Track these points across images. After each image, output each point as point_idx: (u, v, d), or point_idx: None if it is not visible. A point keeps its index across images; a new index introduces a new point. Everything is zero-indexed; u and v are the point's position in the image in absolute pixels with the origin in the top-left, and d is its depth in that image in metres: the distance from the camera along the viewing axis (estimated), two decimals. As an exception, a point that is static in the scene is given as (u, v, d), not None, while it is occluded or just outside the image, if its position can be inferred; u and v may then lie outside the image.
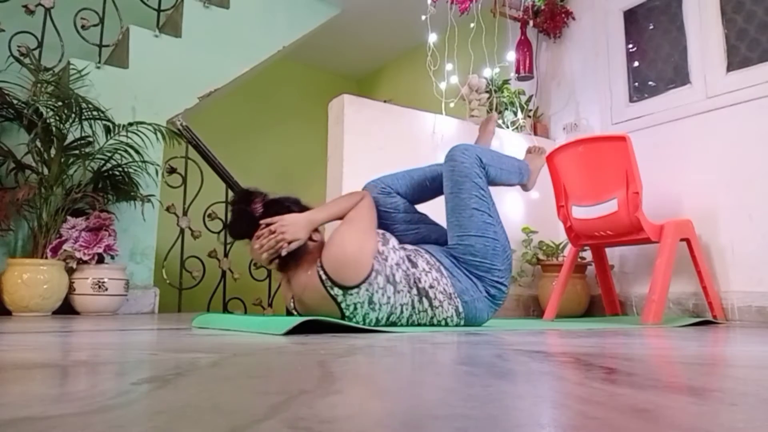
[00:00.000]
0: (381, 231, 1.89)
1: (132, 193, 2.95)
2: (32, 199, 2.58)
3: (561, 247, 3.10)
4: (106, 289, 2.69)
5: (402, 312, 1.78)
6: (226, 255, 3.33)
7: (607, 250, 2.98)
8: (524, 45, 3.54)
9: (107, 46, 3.25)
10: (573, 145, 2.66)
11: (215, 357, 0.91)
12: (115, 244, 2.75)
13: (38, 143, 2.66)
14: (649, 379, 0.76)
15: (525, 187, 2.34)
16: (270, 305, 3.41)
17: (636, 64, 3.27)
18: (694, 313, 2.72)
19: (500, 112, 3.39)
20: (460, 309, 1.85)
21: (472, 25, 3.18)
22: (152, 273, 3.15)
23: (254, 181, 3.36)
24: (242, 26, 3.74)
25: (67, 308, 2.67)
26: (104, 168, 2.89)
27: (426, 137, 2.95)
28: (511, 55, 3.53)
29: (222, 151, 3.50)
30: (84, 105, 2.73)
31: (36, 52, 2.96)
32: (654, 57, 3.18)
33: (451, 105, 3.15)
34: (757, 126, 2.60)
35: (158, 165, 3.14)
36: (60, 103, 2.69)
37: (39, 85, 2.76)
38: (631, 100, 3.23)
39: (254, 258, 1.81)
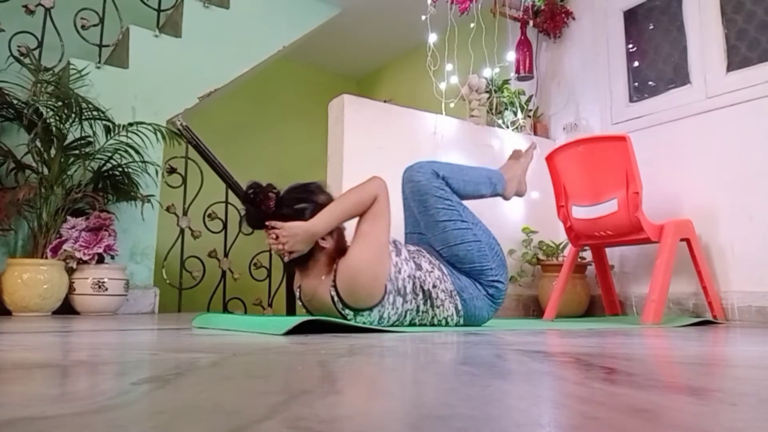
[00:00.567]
0: (393, 239, 1.84)
1: (132, 193, 2.95)
2: (32, 199, 2.58)
3: (561, 247, 3.10)
4: (106, 289, 2.69)
5: (406, 316, 1.81)
6: (226, 255, 3.33)
7: (607, 250, 2.98)
8: (524, 45, 3.54)
9: (107, 46, 3.25)
10: (573, 145, 2.66)
11: (215, 357, 0.91)
12: (115, 244, 2.75)
13: (38, 143, 2.66)
14: (649, 379, 0.76)
15: (503, 197, 2.27)
16: (270, 305, 3.41)
17: (636, 64, 3.27)
18: (694, 313, 2.72)
19: (500, 113, 3.39)
20: (460, 307, 1.86)
21: (472, 25, 3.18)
22: (152, 273, 3.14)
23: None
24: (242, 26, 3.74)
25: (67, 308, 2.67)
26: (104, 168, 2.88)
27: (426, 137, 2.94)
28: (511, 55, 3.53)
29: (222, 151, 3.50)
30: (84, 105, 2.73)
31: (36, 52, 2.96)
32: (654, 57, 3.18)
33: (451, 105, 3.14)
34: (757, 126, 2.60)
35: (158, 165, 3.14)
36: (60, 103, 2.69)
37: (39, 85, 2.76)
38: (631, 100, 3.23)
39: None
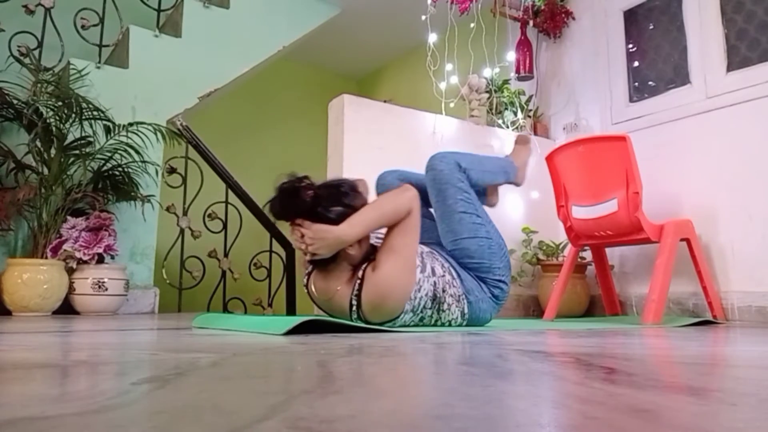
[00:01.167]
0: (421, 251, 1.79)
1: (132, 193, 2.95)
2: (32, 199, 2.58)
3: (561, 247, 3.10)
4: (106, 289, 2.69)
5: (412, 322, 1.80)
6: (226, 255, 3.33)
7: (607, 250, 2.98)
8: (524, 45, 3.54)
9: (107, 46, 3.25)
10: (573, 145, 2.66)
11: (215, 357, 0.91)
12: (115, 244, 2.75)
13: (38, 143, 2.66)
14: (649, 379, 0.76)
15: (516, 184, 2.31)
16: (270, 305, 3.41)
17: (636, 64, 3.27)
18: (694, 313, 2.72)
19: (500, 112, 3.39)
20: (465, 311, 1.86)
21: (472, 25, 3.18)
22: (152, 273, 3.14)
23: (254, 181, 3.37)
24: (242, 26, 3.74)
25: (67, 308, 2.67)
26: (104, 168, 2.88)
27: (426, 137, 2.94)
28: (511, 55, 3.53)
29: (222, 151, 3.50)
30: (84, 105, 2.73)
31: (36, 52, 2.96)
32: (654, 57, 3.18)
33: (451, 105, 3.14)
34: (757, 126, 2.60)
35: (158, 165, 3.14)
36: (60, 103, 2.69)
37: (39, 85, 2.76)
38: (631, 100, 3.23)
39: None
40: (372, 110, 2.81)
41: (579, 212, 2.64)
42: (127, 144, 2.87)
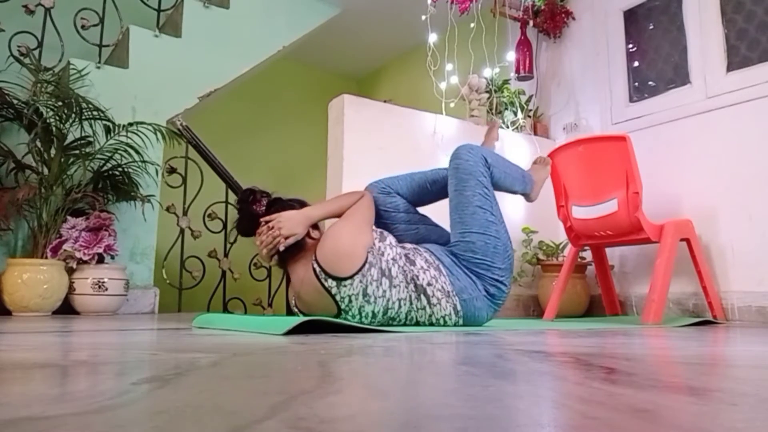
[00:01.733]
0: (379, 229, 1.91)
1: (132, 193, 2.95)
2: (32, 199, 2.58)
3: (561, 247, 3.10)
4: (106, 289, 2.69)
5: (399, 307, 1.78)
6: (226, 255, 3.33)
7: (607, 250, 2.98)
8: (524, 45, 3.54)
9: (107, 46, 3.25)
10: (573, 145, 2.66)
11: (215, 357, 0.91)
12: (115, 244, 2.75)
13: (38, 143, 2.66)
14: (649, 379, 0.76)
15: (528, 198, 2.33)
16: (270, 305, 3.41)
17: (636, 64, 3.27)
18: (694, 313, 2.72)
19: (500, 113, 3.39)
20: (459, 307, 1.85)
21: (472, 25, 3.18)
22: (152, 273, 3.14)
23: (254, 181, 3.36)
24: (242, 26, 3.74)
25: (67, 308, 2.67)
26: (104, 168, 2.89)
27: (426, 137, 2.95)
28: (511, 55, 3.53)
29: (222, 151, 3.50)
30: (84, 105, 2.73)
31: (36, 52, 2.96)
32: (654, 57, 3.18)
33: (451, 105, 3.14)
34: (757, 126, 2.60)
35: (158, 165, 3.14)
36: (60, 103, 2.69)
37: (39, 85, 2.76)
38: (631, 100, 3.23)
39: (259, 255, 1.90)
40: (372, 110, 2.81)
41: (579, 212, 2.64)
42: (127, 144, 2.87)
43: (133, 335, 1.50)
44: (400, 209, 2.06)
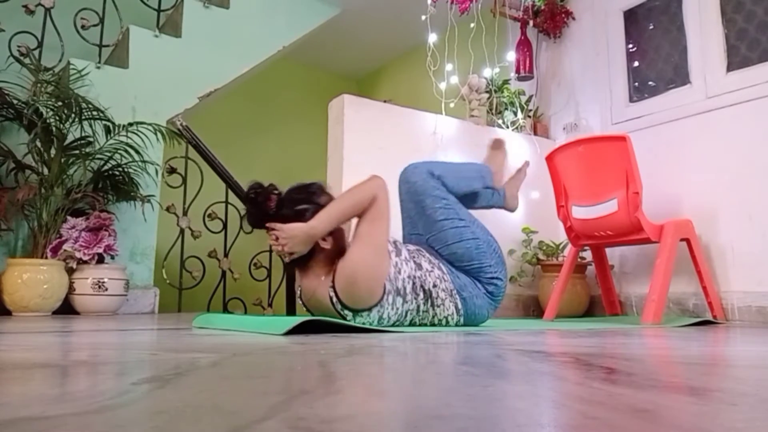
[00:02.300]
0: (392, 239, 1.84)
1: (132, 193, 2.95)
2: (32, 199, 2.58)
3: (561, 247, 3.10)
4: (106, 289, 2.69)
5: (406, 316, 1.81)
6: (226, 255, 3.32)
7: (607, 250, 2.98)
8: (524, 45, 3.54)
9: (107, 46, 3.25)
10: (573, 145, 2.66)
11: (215, 357, 0.91)
12: (115, 244, 2.75)
13: (38, 143, 2.66)
14: (649, 379, 0.76)
15: (492, 189, 2.30)
16: (270, 305, 3.41)
17: (636, 64, 3.27)
18: (694, 313, 2.72)
19: (500, 113, 3.39)
20: (460, 306, 1.86)
21: (472, 25, 3.18)
22: (152, 273, 3.14)
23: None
24: (242, 26, 3.74)
25: (67, 308, 2.67)
26: (104, 168, 2.88)
27: (426, 137, 2.94)
28: (511, 55, 3.53)
29: (222, 151, 3.50)
30: (84, 105, 2.73)
31: (36, 52, 2.96)
32: (654, 57, 3.18)
33: (451, 105, 3.14)
34: (757, 126, 2.60)
35: (158, 165, 3.14)
36: (60, 103, 2.69)
37: (39, 85, 2.76)
38: (631, 100, 3.23)
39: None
40: (372, 110, 2.81)
41: (579, 212, 2.64)
42: (127, 144, 2.87)
43: (133, 335, 1.50)
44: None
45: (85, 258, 2.65)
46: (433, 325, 1.86)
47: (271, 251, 3.42)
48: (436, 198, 1.94)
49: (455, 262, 1.92)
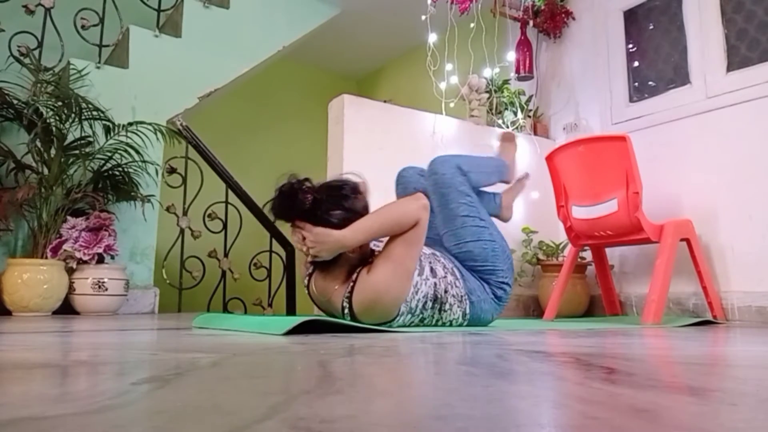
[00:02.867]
0: (422, 252, 1.78)
1: (132, 193, 2.95)
2: (32, 199, 2.58)
3: (561, 247, 3.10)
4: (106, 289, 2.69)
5: (413, 323, 1.80)
6: (226, 255, 3.32)
7: (607, 250, 2.97)
8: (524, 45, 3.54)
9: (107, 46, 3.25)
10: (573, 145, 2.66)
11: (215, 357, 0.91)
12: (115, 244, 2.75)
13: (38, 143, 2.66)
14: (649, 379, 0.76)
15: (506, 182, 2.34)
16: (270, 305, 3.41)
17: (636, 64, 3.27)
18: (694, 313, 2.72)
19: (500, 113, 3.39)
20: (467, 311, 1.86)
21: (472, 25, 3.18)
22: (152, 273, 3.14)
23: (254, 181, 3.37)
24: (242, 26, 3.74)
25: (67, 308, 2.67)
26: (104, 168, 2.88)
27: (426, 137, 2.94)
28: (511, 55, 3.53)
29: (222, 151, 3.50)
30: (84, 105, 2.73)
31: (36, 52, 2.96)
32: (654, 57, 3.18)
33: (451, 105, 3.14)
34: (757, 126, 2.60)
35: (158, 165, 3.14)
36: (60, 103, 2.69)
37: (39, 85, 2.76)
38: (631, 100, 3.23)
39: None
40: (372, 110, 2.81)
41: (579, 212, 2.64)
42: (127, 144, 2.87)
43: (133, 335, 1.50)
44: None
45: (85, 258, 2.65)
46: (436, 326, 1.86)
47: (271, 251, 3.42)
48: (462, 194, 1.95)
49: (468, 261, 1.91)
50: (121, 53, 3.33)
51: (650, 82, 3.19)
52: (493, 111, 3.37)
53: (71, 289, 2.66)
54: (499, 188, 2.34)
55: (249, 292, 3.41)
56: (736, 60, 2.76)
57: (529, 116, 3.50)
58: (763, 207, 2.55)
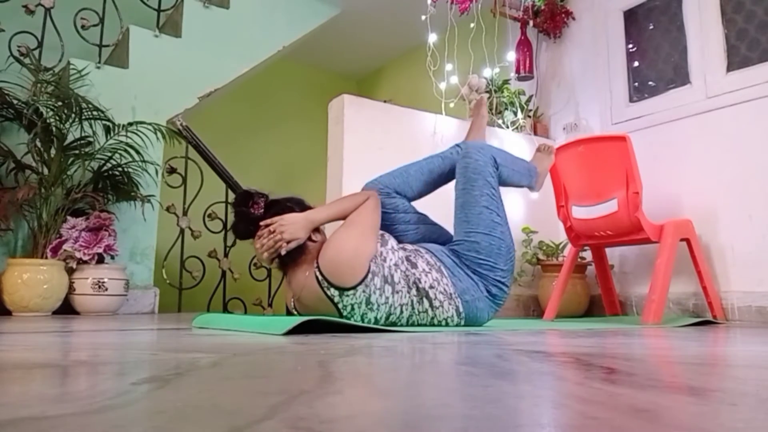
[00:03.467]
0: (380, 232, 1.87)
1: (132, 193, 2.95)
2: (32, 199, 2.58)
3: (561, 247, 3.10)
4: (106, 289, 2.69)
5: (402, 312, 1.78)
6: (226, 255, 3.33)
7: (607, 250, 2.98)
8: (524, 45, 3.54)
9: (107, 46, 3.25)
10: (573, 145, 2.66)
11: (215, 357, 0.91)
12: (115, 244, 2.75)
13: (38, 143, 2.66)
14: (649, 379, 0.76)
15: (532, 189, 2.33)
16: (270, 305, 3.41)
17: (636, 64, 3.27)
18: (694, 313, 2.72)
19: (500, 113, 3.39)
20: (461, 309, 1.85)
21: (472, 25, 3.18)
22: (152, 273, 3.14)
23: (254, 181, 3.36)
24: (242, 26, 3.74)
25: (67, 308, 2.67)
26: (104, 168, 2.89)
27: (426, 137, 2.94)
28: (511, 55, 3.53)
29: (222, 151, 3.50)
30: (84, 105, 2.73)
31: (36, 52, 2.96)
32: (654, 57, 3.18)
33: (451, 105, 3.14)
34: (757, 126, 2.60)
35: (158, 165, 3.14)
36: (60, 103, 2.69)
37: (39, 85, 2.76)
38: (631, 100, 3.23)
39: (257, 257, 1.83)
40: (372, 110, 2.81)
41: (579, 212, 2.64)
42: (127, 144, 2.87)
43: (133, 335, 1.50)
44: (399, 209, 2.04)
45: (85, 258, 2.65)
46: (432, 325, 1.86)
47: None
48: (488, 184, 1.96)
49: (470, 251, 1.90)
50: (121, 53, 3.33)
51: (650, 82, 3.19)
52: (493, 111, 3.37)
53: (71, 289, 2.66)
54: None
55: (249, 292, 3.41)
56: (736, 60, 2.76)
57: (529, 116, 3.50)
58: (763, 207, 2.55)
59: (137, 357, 0.96)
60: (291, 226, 1.69)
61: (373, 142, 2.74)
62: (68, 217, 2.70)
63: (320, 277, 1.66)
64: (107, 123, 2.85)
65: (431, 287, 1.81)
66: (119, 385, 0.65)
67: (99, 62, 3.16)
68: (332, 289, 1.66)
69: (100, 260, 2.72)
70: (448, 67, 3.20)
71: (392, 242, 1.85)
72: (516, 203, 3.20)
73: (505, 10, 3.47)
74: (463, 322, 1.88)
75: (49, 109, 2.68)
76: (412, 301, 1.79)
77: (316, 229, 1.80)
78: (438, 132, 2.98)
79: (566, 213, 2.72)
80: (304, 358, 0.93)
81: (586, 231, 2.66)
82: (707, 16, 2.87)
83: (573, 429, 0.47)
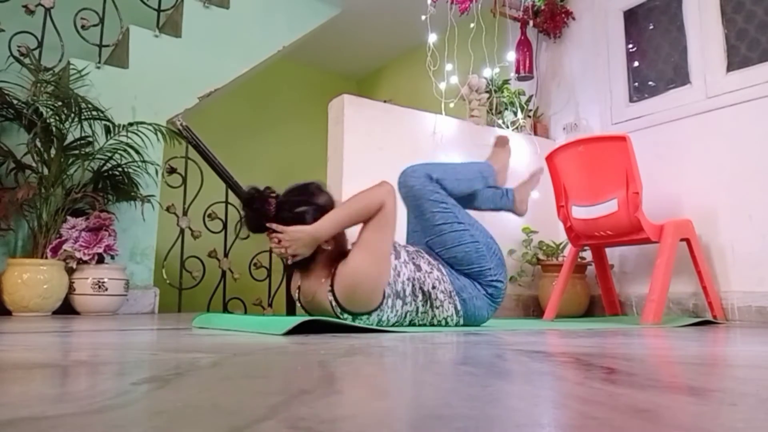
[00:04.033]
0: (405, 247, 1.85)
1: (132, 193, 2.95)
2: (32, 199, 2.58)
3: (561, 247, 3.10)
4: (106, 289, 2.69)
5: (405, 318, 1.81)
6: (226, 255, 3.32)
7: (607, 250, 2.97)
8: (524, 45, 3.54)
9: (107, 46, 3.25)
10: (573, 145, 2.66)
11: (215, 357, 0.91)
12: (115, 244, 2.75)
13: (38, 143, 2.66)
14: (649, 379, 0.76)
15: (495, 187, 2.28)
16: (270, 305, 3.41)
17: (636, 64, 3.27)
18: (694, 313, 2.72)
19: (500, 113, 3.39)
20: (459, 307, 1.86)
21: (472, 25, 3.18)
22: (152, 273, 3.14)
23: (254, 181, 3.35)
24: (242, 26, 3.74)
25: (67, 308, 2.67)
26: (104, 168, 2.88)
27: (426, 137, 2.94)
28: (511, 55, 3.53)
29: (222, 151, 3.50)
30: (84, 105, 2.73)
31: (36, 52, 2.96)
32: (654, 57, 3.18)
33: (451, 105, 3.14)
34: (757, 126, 2.60)
35: (158, 165, 3.14)
36: (60, 103, 2.69)
37: (39, 85, 2.76)
38: (631, 100, 3.23)
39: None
40: (372, 110, 2.81)
41: (579, 212, 2.64)
42: (127, 144, 2.87)
43: (133, 335, 1.50)
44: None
45: (85, 258, 2.65)
46: (432, 325, 1.86)
47: (271, 251, 3.42)
48: (434, 202, 1.93)
49: (455, 265, 1.92)
50: (121, 53, 3.33)
51: (650, 82, 3.19)
52: (493, 111, 3.37)
53: (71, 289, 2.66)
54: (511, 184, 2.35)
55: (249, 292, 3.41)
56: (736, 60, 2.76)
57: (529, 116, 3.50)
58: (763, 207, 2.55)
59: (137, 357, 0.96)
60: (294, 243, 1.64)
61: (373, 142, 2.74)
62: (68, 217, 2.70)
63: (334, 303, 1.67)
64: (107, 123, 2.85)
65: (433, 287, 1.82)
66: (119, 385, 0.65)
67: (99, 62, 3.16)
68: (345, 314, 1.68)
69: (100, 260, 2.72)
70: (448, 67, 3.20)
71: (404, 254, 1.82)
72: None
73: (505, 10, 3.47)
74: (462, 321, 1.88)
75: (49, 109, 2.68)
76: (417, 307, 1.81)
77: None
78: (438, 132, 2.98)
79: (566, 213, 2.72)
80: (304, 358, 0.93)
81: (586, 231, 2.66)
82: (707, 16, 2.87)
83: (573, 429, 0.47)
